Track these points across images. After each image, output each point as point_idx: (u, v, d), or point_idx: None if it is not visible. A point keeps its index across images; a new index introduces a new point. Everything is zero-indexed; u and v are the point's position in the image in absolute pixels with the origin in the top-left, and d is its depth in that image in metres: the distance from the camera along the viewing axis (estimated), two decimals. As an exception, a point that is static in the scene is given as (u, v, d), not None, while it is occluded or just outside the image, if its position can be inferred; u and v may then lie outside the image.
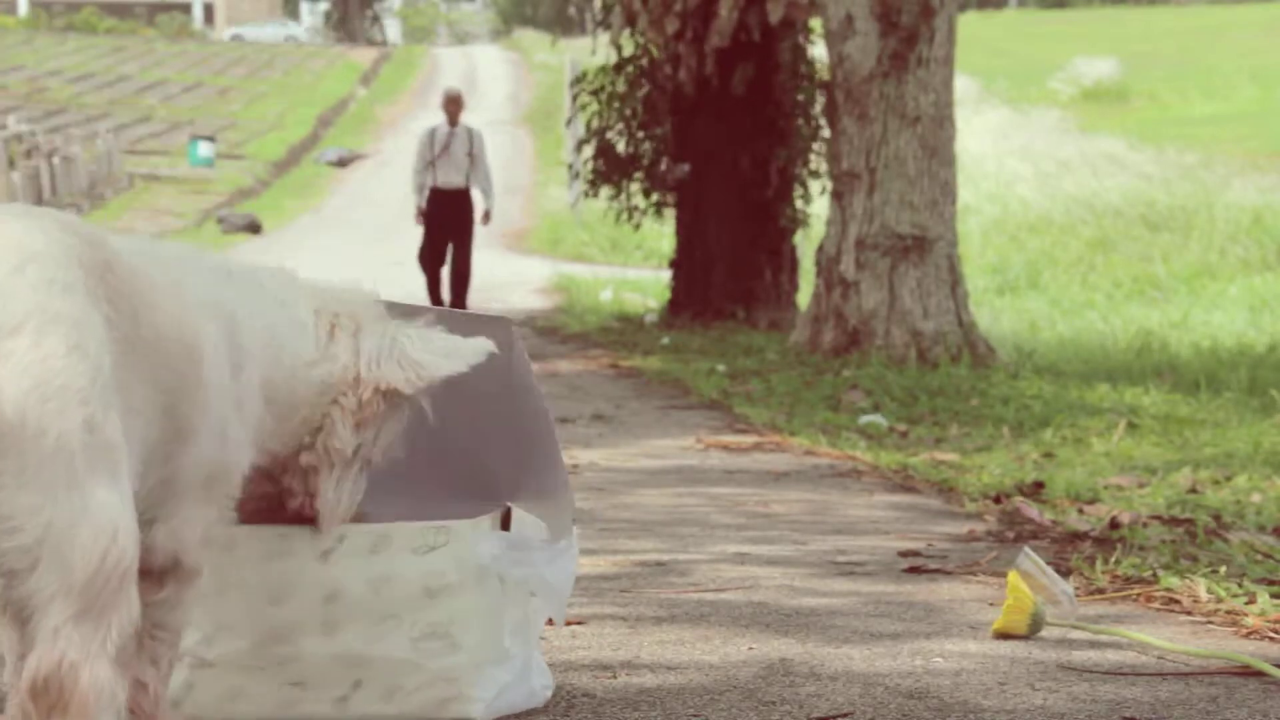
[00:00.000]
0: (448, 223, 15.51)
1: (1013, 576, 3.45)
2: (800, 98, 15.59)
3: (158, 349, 2.21)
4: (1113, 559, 4.30)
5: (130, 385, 2.14)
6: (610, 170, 16.25)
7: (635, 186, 16.20)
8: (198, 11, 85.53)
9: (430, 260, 15.72)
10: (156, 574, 2.35)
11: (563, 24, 62.75)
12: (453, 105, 15.70)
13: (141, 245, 2.33)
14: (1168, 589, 3.93)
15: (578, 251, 27.89)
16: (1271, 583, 3.96)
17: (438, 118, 16.22)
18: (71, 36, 66.84)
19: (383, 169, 40.14)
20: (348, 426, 2.58)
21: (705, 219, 15.49)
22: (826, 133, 14.12)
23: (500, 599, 2.71)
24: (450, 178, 15.46)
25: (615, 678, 3.04)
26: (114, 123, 42.62)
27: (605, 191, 16.42)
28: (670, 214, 16.21)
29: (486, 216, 15.73)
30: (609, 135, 16.19)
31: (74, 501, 1.99)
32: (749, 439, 7.62)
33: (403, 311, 2.81)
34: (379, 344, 2.59)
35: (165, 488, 2.31)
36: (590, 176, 16.50)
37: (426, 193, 15.56)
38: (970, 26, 38.16)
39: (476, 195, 15.68)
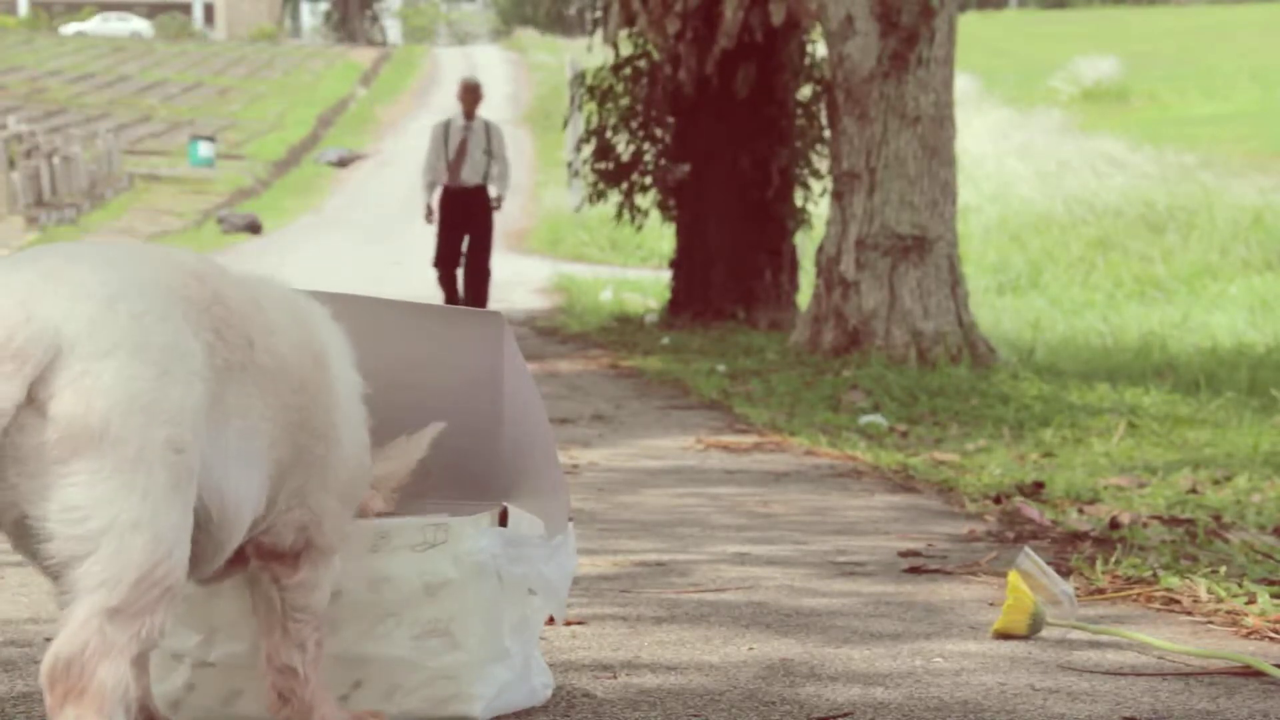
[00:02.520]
0: (464, 222, 14.56)
1: (1013, 576, 3.45)
2: (804, 98, 15.58)
3: (283, 371, 2.34)
4: (1113, 559, 4.30)
5: (248, 408, 2.27)
6: (616, 175, 16.08)
7: (646, 196, 16.05)
8: (198, 11, 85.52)
9: (445, 261, 14.66)
10: (290, 556, 2.45)
11: (562, 24, 62.74)
12: (469, 95, 14.69)
13: (254, 275, 2.46)
14: (1168, 589, 3.92)
15: (578, 251, 27.89)
16: (1271, 583, 3.95)
17: (437, 118, 15.43)
18: (71, 36, 66.84)
19: (383, 169, 40.16)
20: None
21: (705, 219, 15.48)
22: (829, 132, 14.12)
23: (499, 597, 2.70)
24: (466, 176, 14.49)
25: (615, 678, 3.04)
26: (114, 123, 42.64)
27: (612, 196, 16.19)
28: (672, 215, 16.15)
29: (498, 202, 14.73)
30: (609, 135, 16.14)
31: (144, 509, 2.07)
32: (749, 439, 7.62)
33: (393, 308, 2.80)
34: None
35: (311, 484, 2.43)
36: (593, 180, 16.29)
37: (439, 190, 14.59)
38: (970, 26, 38.18)
39: (492, 189, 14.73)
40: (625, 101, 15.95)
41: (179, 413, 2.11)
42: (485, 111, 15.18)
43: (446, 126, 14.73)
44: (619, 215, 16.26)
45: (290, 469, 2.38)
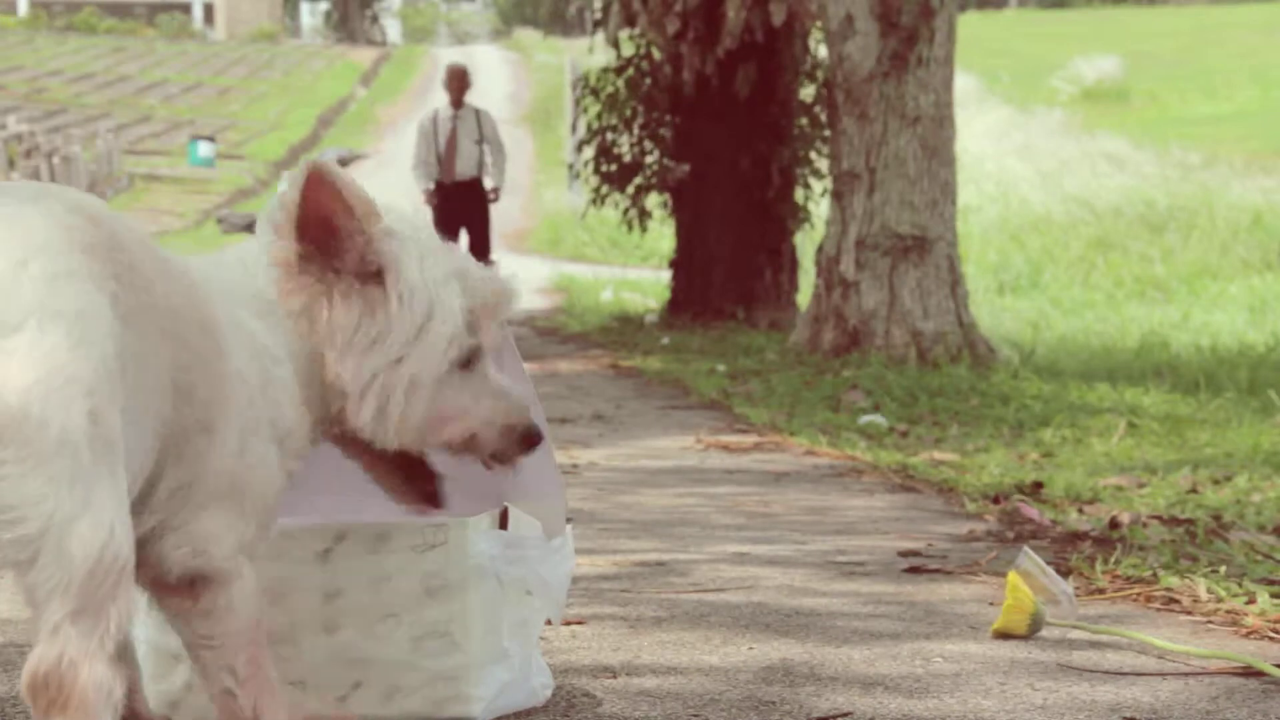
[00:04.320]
0: (460, 218, 13.97)
1: (1013, 576, 3.45)
2: (806, 98, 15.59)
3: (174, 322, 2.18)
4: (1113, 559, 4.29)
5: (145, 357, 2.11)
6: (618, 178, 16.04)
7: (649, 198, 16.02)
8: (198, 11, 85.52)
9: None
10: (182, 587, 2.30)
11: (562, 24, 62.74)
12: (456, 82, 14.12)
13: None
14: (1168, 589, 3.92)
15: (578, 251, 27.89)
16: (1271, 583, 3.95)
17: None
18: (71, 36, 66.86)
19: (383, 169, 40.14)
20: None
21: (705, 219, 15.49)
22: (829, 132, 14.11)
23: (499, 598, 2.71)
24: (459, 169, 13.99)
25: (615, 678, 3.04)
26: (114, 123, 42.64)
27: (616, 200, 16.11)
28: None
29: (495, 194, 14.19)
30: (610, 136, 16.13)
31: (76, 494, 1.97)
32: (749, 439, 7.62)
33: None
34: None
35: (184, 493, 2.25)
36: (594, 183, 16.23)
37: (432, 185, 14.08)
38: (970, 26, 38.17)
39: (488, 180, 14.23)
40: (629, 102, 15.94)
41: (96, 380, 1.98)
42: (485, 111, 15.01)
43: (434, 118, 14.18)
44: (628, 225, 16.26)
45: (176, 442, 2.20)
